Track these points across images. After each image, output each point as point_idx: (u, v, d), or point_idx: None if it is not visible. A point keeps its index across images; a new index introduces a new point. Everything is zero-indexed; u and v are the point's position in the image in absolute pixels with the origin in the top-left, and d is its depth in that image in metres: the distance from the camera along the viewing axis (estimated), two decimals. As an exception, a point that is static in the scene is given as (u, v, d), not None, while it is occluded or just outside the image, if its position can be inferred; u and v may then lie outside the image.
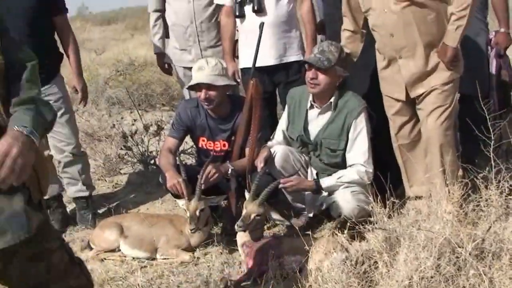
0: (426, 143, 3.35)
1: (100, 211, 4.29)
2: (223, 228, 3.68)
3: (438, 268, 2.40)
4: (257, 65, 3.67)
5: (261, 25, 3.63)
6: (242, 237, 3.22)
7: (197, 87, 3.63)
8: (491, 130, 2.82)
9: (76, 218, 4.16)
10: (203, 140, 3.79)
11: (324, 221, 3.60)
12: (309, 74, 3.48)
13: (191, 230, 3.31)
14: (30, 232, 1.71)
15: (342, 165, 3.55)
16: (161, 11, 4.49)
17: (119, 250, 3.54)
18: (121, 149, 5.22)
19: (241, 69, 4.05)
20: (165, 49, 4.59)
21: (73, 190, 4.13)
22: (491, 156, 2.78)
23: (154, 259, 3.47)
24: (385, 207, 3.04)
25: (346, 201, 3.39)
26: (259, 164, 3.46)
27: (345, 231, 3.25)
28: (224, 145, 3.75)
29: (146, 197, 4.55)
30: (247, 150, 3.61)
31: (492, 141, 2.80)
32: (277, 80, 4.03)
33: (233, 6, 4.00)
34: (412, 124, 3.46)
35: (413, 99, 3.36)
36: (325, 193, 3.52)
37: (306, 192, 3.60)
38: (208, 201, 3.41)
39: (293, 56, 3.97)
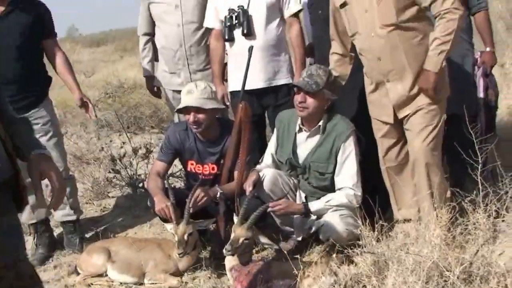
0: (413, 164, 3.36)
1: (87, 235, 4.27)
2: (211, 252, 3.66)
3: (427, 291, 2.40)
4: (246, 88, 3.68)
5: (250, 49, 3.66)
6: (230, 261, 3.20)
7: (185, 110, 3.63)
8: (478, 154, 2.84)
9: (63, 242, 4.13)
10: (192, 164, 3.79)
11: (313, 244, 3.59)
12: (298, 98, 3.49)
13: (179, 254, 3.28)
14: None
15: (331, 188, 3.55)
16: (151, 34, 4.51)
17: (107, 275, 3.52)
18: (110, 172, 5.20)
19: (230, 92, 4.07)
20: (155, 72, 4.60)
21: (60, 214, 4.11)
22: (479, 180, 2.79)
23: (142, 284, 3.46)
24: (373, 231, 3.04)
25: (334, 225, 3.38)
26: (248, 187, 3.45)
27: (334, 255, 3.26)
28: (213, 169, 3.75)
29: (134, 221, 4.52)
30: (236, 174, 3.60)
31: (480, 165, 2.82)
32: (266, 103, 4.04)
33: (222, 30, 4.01)
34: (399, 147, 3.47)
35: (401, 121, 3.37)
36: (313, 217, 3.51)
37: (295, 216, 3.58)
38: (196, 225, 3.39)
39: (282, 79, 3.99)
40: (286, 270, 2.96)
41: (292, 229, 3.68)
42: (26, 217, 3.99)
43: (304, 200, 3.63)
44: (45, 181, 3.98)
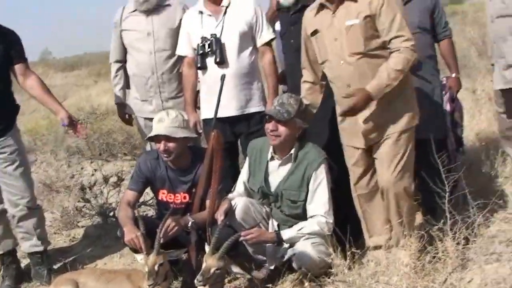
0: (382, 194, 3.38)
1: (55, 267, 4.18)
2: (183, 283, 3.62)
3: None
4: (218, 116, 3.69)
5: (223, 77, 3.66)
6: (202, 291, 3.16)
7: (156, 138, 3.62)
8: (445, 182, 2.87)
9: (30, 274, 4.05)
10: (163, 193, 3.76)
11: (286, 273, 3.57)
12: (269, 126, 3.51)
13: (149, 285, 3.22)
14: None
15: (303, 216, 3.55)
16: (122, 61, 4.50)
17: (75, 308, 3.44)
18: (79, 201, 5.13)
19: (203, 120, 4.06)
20: (126, 99, 4.58)
21: (27, 245, 4.03)
22: (446, 208, 2.82)
23: (111, 316, 3.38)
24: (345, 259, 3.05)
25: (307, 253, 3.37)
26: (220, 216, 3.44)
27: (307, 283, 3.25)
28: (184, 197, 3.73)
29: (104, 251, 4.45)
30: (207, 202, 3.58)
31: (447, 193, 2.84)
32: (239, 131, 4.04)
33: (195, 58, 4.02)
34: (370, 174, 3.48)
35: (371, 147, 3.39)
36: (286, 245, 3.50)
37: (267, 244, 3.57)
38: (167, 255, 3.34)
39: (255, 107, 4.00)
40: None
41: (264, 258, 3.65)
42: (-9, 248, 3.93)
43: (277, 228, 3.62)
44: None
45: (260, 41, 4.01)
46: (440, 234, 2.90)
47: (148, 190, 3.96)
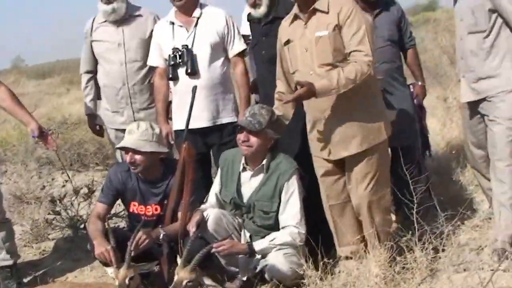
0: (356, 207, 3.40)
1: (25, 280, 4.09)
2: (155, 295, 3.59)
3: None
4: (190, 127, 3.68)
5: (194, 89, 3.65)
6: (174, 304, 3.14)
7: (125, 149, 3.60)
8: (413, 194, 2.90)
9: (-1, 288, 3.98)
10: (134, 205, 3.74)
11: (258, 284, 3.56)
12: (241, 137, 3.51)
13: (120, 299, 3.20)
14: None
15: (275, 227, 3.55)
16: (93, 72, 4.47)
17: (45, 322, 3.39)
18: (49, 213, 5.06)
19: (175, 131, 4.05)
20: (97, 110, 4.54)
21: (-4, 259, 3.96)
22: (414, 219, 2.85)
23: (82, 330, 3.34)
24: (317, 270, 3.06)
25: (279, 264, 3.38)
26: (191, 228, 3.42)
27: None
28: (156, 209, 3.71)
29: (74, 264, 4.37)
30: (179, 214, 3.56)
31: (415, 205, 2.87)
32: (211, 141, 4.04)
33: (166, 69, 4.01)
34: (342, 185, 3.49)
35: (342, 160, 3.40)
36: (258, 256, 3.50)
37: (240, 255, 3.56)
38: (138, 269, 3.31)
39: (226, 118, 4.01)
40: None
41: (237, 269, 3.64)
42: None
43: (249, 239, 3.62)
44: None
45: (232, 52, 4.02)
46: (410, 244, 2.93)
47: (120, 201, 3.92)
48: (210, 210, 3.60)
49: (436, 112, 7.09)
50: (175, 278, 3.12)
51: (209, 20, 3.99)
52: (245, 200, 3.62)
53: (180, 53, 3.91)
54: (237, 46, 4.03)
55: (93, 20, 4.41)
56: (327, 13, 3.25)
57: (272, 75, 3.77)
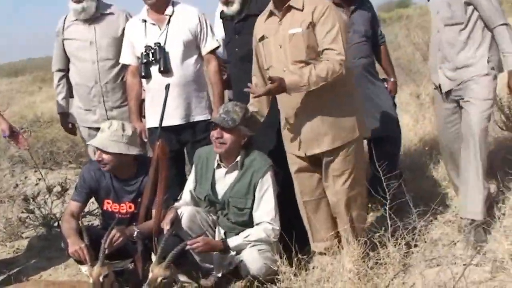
0: (333, 204, 3.44)
1: (-1, 279, 4.09)
2: (129, 293, 3.59)
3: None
4: (163, 124, 3.67)
5: (167, 87, 3.65)
6: (149, 301, 3.14)
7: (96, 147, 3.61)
8: (386, 191, 2.94)
9: (-28, 287, 3.93)
10: (108, 203, 3.72)
11: (233, 280, 3.58)
12: (214, 134, 3.52)
13: (94, 297, 3.19)
14: None
15: (250, 223, 3.57)
16: (65, 70, 4.45)
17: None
18: (23, 212, 5.02)
19: (148, 128, 4.04)
20: (70, 108, 4.51)
21: (-31, 258, 3.92)
22: (387, 215, 2.88)
23: (56, 329, 3.32)
24: (291, 265, 3.08)
25: (253, 260, 3.39)
26: (165, 226, 3.41)
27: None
28: (130, 207, 3.70)
29: (48, 263, 4.36)
30: (153, 212, 3.56)
31: (388, 201, 2.91)
32: (184, 139, 4.03)
33: (138, 67, 4.00)
34: (316, 182, 3.52)
35: (316, 156, 3.43)
36: (233, 252, 3.51)
37: (214, 252, 3.57)
38: (112, 266, 3.30)
39: (200, 115, 4.01)
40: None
41: (212, 266, 3.65)
42: None
43: (223, 236, 3.62)
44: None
45: (204, 50, 4.02)
46: (383, 239, 2.96)
47: (93, 199, 3.91)
48: (184, 208, 3.60)
49: (409, 108, 7.16)
50: (150, 275, 3.11)
51: (182, 17, 3.99)
52: (219, 197, 3.63)
53: (152, 51, 3.90)
54: (210, 43, 4.02)
55: (65, 19, 4.39)
56: (302, 10, 3.27)
57: (245, 72, 3.78)
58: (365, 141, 4.00)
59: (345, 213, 3.39)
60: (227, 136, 3.50)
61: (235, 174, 3.60)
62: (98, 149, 3.58)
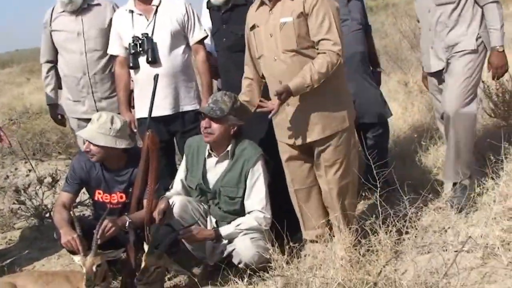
0: (325, 193, 3.47)
1: (-8, 269, 4.08)
2: (122, 282, 3.59)
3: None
4: (152, 115, 3.66)
5: (156, 77, 3.63)
6: (142, 291, 3.16)
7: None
8: (376, 178, 2.96)
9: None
10: (99, 193, 3.72)
11: (226, 269, 3.60)
12: (203, 123, 3.52)
13: (88, 286, 3.20)
14: None
15: (241, 212, 3.58)
16: (53, 62, 4.43)
17: (13, 312, 3.37)
18: (14, 203, 5.02)
19: (137, 119, 4.04)
20: (59, 100, 4.50)
21: (-39, 250, 3.92)
22: (378, 202, 2.90)
23: (50, 319, 3.33)
24: (283, 253, 3.10)
25: (245, 248, 3.42)
26: (157, 215, 3.43)
27: (246, 278, 3.29)
28: (121, 197, 3.70)
29: (41, 253, 4.38)
30: (145, 202, 3.57)
31: (378, 189, 2.93)
32: (173, 129, 4.04)
33: (126, 57, 3.99)
34: (307, 170, 3.54)
35: (307, 145, 3.44)
36: (225, 241, 3.53)
37: (206, 241, 3.59)
38: (105, 256, 3.31)
39: (188, 105, 4.01)
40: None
41: (204, 255, 3.68)
42: None
43: (215, 225, 3.64)
44: None
45: (192, 40, 4.01)
46: (374, 227, 2.99)
47: (84, 189, 3.91)
48: (176, 197, 3.60)
49: (397, 96, 7.18)
50: (143, 264, 3.13)
51: (169, 8, 3.98)
52: (211, 186, 3.64)
53: (140, 41, 3.90)
54: (198, 33, 4.02)
55: (52, 10, 4.37)
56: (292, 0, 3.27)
57: (232, 62, 3.79)
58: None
59: (337, 201, 3.41)
60: (215, 126, 3.50)
61: (225, 163, 3.61)
62: (86, 140, 3.58)
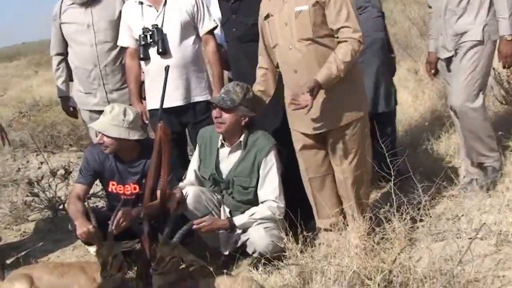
0: (340, 182, 3.48)
1: (8, 262, 4.11)
2: (138, 273, 3.62)
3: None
4: (164, 106, 3.65)
5: (167, 68, 3.63)
6: (158, 281, 3.19)
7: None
8: (390, 166, 2.96)
9: (-18, 271, 3.96)
10: (113, 184, 3.74)
11: (240, 258, 3.62)
12: (214, 113, 3.53)
13: (103, 277, 3.23)
14: None
15: (255, 201, 3.59)
16: (64, 54, 4.44)
17: (30, 303, 3.40)
18: (27, 195, 5.05)
19: (149, 110, 4.05)
20: (70, 92, 4.52)
21: (-23, 242, 3.95)
22: (392, 191, 2.90)
23: (66, 309, 3.36)
24: (297, 242, 3.11)
25: (260, 238, 3.43)
26: (171, 206, 3.45)
27: (261, 268, 3.31)
28: (135, 188, 3.72)
29: (56, 245, 4.41)
30: (158, 193, 3.58)
31: (392, 177, 2.93)
32: (185, 120, 4.04)
33: (137, 49, 4.00)
34: (321, 158, 3.54)
35: (321, 134, 3.44)
36: (239, 231, 3.54)
37: (220, 231, 3.60)
38: (120, 247, 3.34)
39: (200, 96, 4.01)
40: (214, 287, 3.02)
41: (218, 244, 3.69)
42: None
43: (229, 215, 3.65)
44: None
45: (202, 30, 4.01)
46: (388, 215, 2.99)
47: (97, 181, 3.93)
48: (189, 188, 3.62)
49: (408, 84, 7.15)
50: (158, 255, 3.14)
51: None
52: (224, 176, 3.65)
53: (150, 33, 3.89)
54: (207, 24, 4.01)
55: (61, 2, 4.37)
56: None
57: (242, 52, 3.79)
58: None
59: (352, 190, 3.43)
60: (226, 116, 3.50)
61: (238, 153, 3.62)
62: (99, 132, 3.60)
